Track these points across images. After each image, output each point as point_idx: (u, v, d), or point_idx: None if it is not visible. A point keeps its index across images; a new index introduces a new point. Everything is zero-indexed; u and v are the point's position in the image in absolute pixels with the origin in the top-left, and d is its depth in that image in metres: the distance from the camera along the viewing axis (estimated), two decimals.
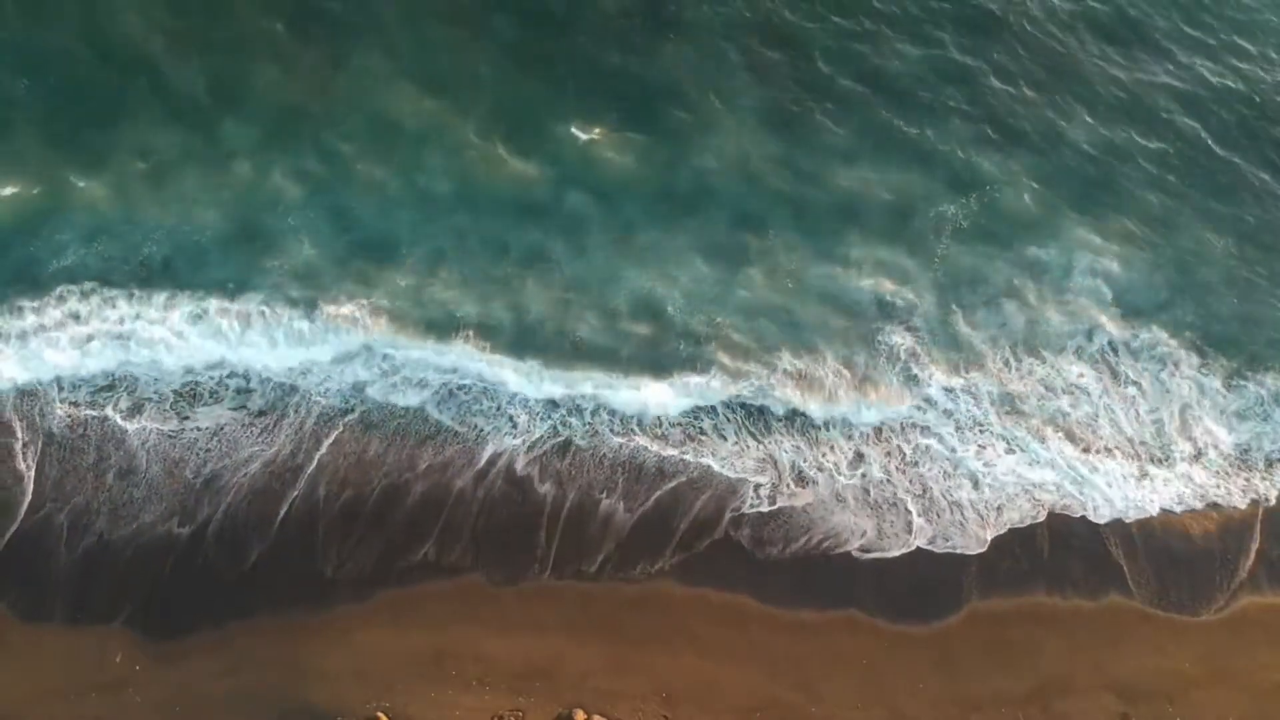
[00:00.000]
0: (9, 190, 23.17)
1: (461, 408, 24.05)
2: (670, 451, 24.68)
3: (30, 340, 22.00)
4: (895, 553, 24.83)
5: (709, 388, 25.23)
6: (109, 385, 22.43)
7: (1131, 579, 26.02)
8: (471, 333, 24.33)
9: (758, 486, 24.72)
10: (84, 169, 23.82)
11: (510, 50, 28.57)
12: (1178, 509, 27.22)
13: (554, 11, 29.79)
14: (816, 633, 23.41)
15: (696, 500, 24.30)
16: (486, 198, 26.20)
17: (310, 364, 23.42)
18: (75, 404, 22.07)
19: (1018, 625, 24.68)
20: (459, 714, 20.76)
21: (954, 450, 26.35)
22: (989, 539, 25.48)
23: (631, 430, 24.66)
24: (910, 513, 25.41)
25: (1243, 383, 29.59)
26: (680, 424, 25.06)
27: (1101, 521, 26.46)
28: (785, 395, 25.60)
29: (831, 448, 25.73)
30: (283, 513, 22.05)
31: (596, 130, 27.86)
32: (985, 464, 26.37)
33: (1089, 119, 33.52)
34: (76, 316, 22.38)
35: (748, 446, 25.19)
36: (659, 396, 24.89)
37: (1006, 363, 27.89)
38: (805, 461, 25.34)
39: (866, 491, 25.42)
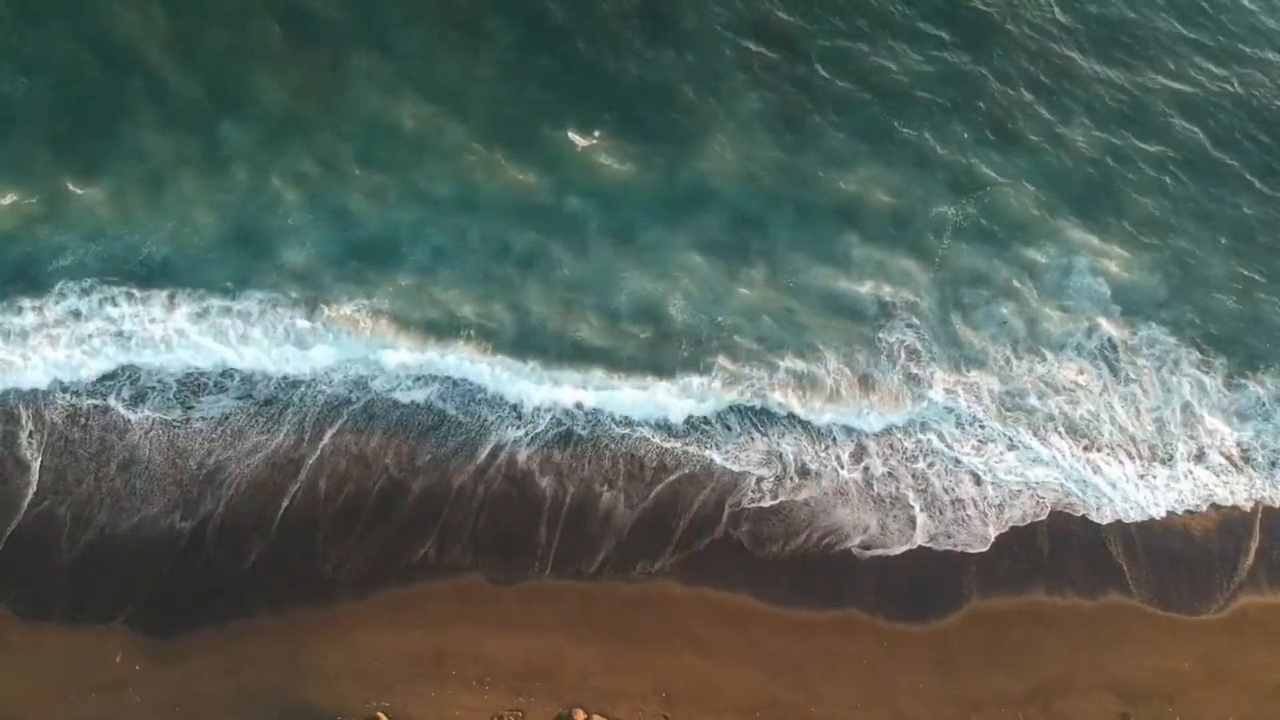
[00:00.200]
0: (9, 191, 23.17)
1: (465, 396, 24.12)
2: (673, 444, 24.69)
3: (31, 338, 22.03)
4: (898, 549, 24.84)
5: (709, 389, 25.25)
6: (111, 374, 22.40)
7: (1131, 579, 26.02)
8: (472, 333, 24.40)
9: (759, 480, 24.73)
10: (83, 172, 23.81)
11: (508, 54, 28.58)
12: (1179, 509, 27.24)
13: (552, 16, 29.83)
14: (816, 632, 23.40)
15: (696, 496, 24.30)
16: (486, 202, 26.23)
17: (311, 364, 23.43)
18: (77, 394, 22.06)
19: (1018, 625, 24.67)
20: (459, 714, 20.75)
21: (954, 447, 26.36)
22: (993, 536, 25.50)
23: (633, 422, 24.71)
24: (913, 508, 25.41)
25: (1243, 382, 29.64)
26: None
27: (1103, 522, 26.47)
28: (787, 400, 25.64)
29: (834, 440, 25.78)
30: (283, 508, 22.05)
31: (596, 133, 27.88)
32: (986, 461, 26.38)
33: (1087, 121, 33.60)
34: (77, 314, 22.40)
35: (752, 439, 25.22)
36: (661, 399, 24.94)
37: (1007, 360, 27.93)
38: (807, 455, 25.36)
39: (869, 485, 25.43)
